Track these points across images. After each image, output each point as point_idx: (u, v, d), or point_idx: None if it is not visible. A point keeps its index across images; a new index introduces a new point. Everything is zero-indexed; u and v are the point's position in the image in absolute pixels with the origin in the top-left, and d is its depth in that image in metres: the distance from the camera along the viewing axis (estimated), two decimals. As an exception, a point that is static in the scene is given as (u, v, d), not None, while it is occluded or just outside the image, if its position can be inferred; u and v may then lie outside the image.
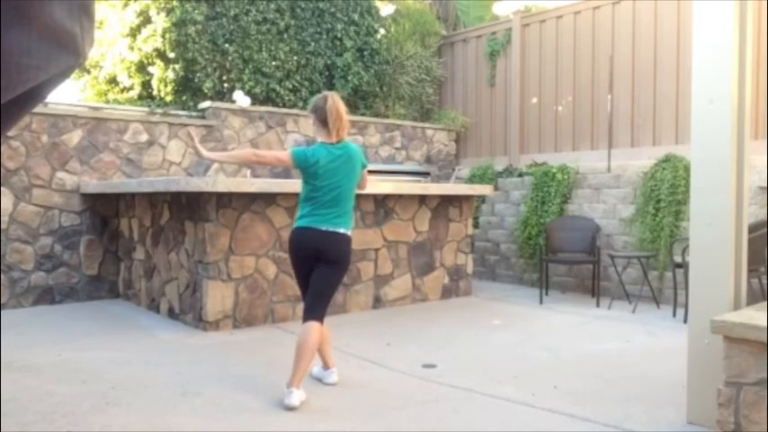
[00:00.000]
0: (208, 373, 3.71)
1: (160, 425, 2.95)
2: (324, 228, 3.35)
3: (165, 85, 7.04)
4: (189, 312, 5.05)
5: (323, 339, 3.44)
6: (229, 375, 3.72)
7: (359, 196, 5.69)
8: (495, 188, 7.67)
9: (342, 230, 3.40)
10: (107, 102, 7.38)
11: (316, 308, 3.35)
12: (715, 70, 2.95)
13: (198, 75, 7.04)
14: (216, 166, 6.80)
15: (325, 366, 3.63)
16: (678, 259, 5.38)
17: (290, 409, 3.15)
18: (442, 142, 8.86)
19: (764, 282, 4.89)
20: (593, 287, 6.41)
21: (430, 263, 6.28)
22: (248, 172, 6.96)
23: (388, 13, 8.99)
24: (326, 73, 8.11)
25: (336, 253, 3.39)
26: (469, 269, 6.66)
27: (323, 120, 3.43)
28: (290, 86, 7.69)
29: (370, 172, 7.03)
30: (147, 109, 6.76)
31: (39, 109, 5.56)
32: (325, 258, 3.37)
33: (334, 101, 3.44)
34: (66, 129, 5.97)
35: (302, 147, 3.65)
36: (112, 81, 7.51)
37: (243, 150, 3.76)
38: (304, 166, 3.40)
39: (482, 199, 7.84)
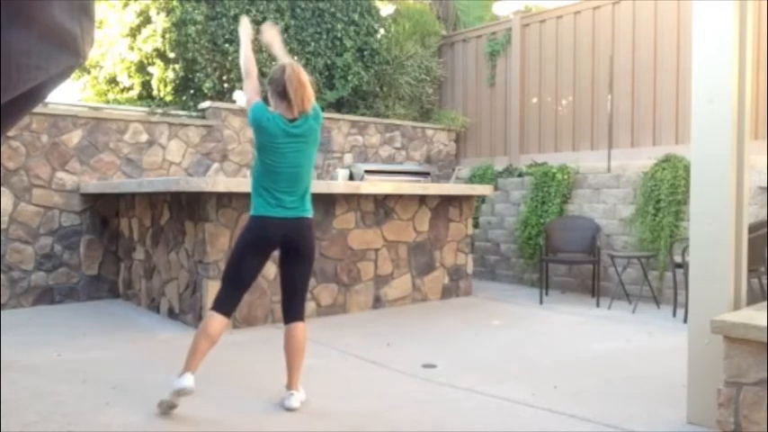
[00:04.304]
0: (208, 373, 3.70)
1: (160, 425, 2.95)
2: (291, 216, 3.12)
3: (165, 85, 7.04)
4: (189, 312, 5.05)
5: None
6: (229, 375, 3.72)
7: (359, 196, 5.71)
8: (495, 188, 7.67)
9: (308, 215, 3.20)
10: (107, 102, 7.38)
11: (299, 307, 3.24)
12: (715, 70, 2.95)
13: (198, 75, 7.04)
14: (215, 166, 6.81)
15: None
16: (678, 259, 5.38)
17: (291, 410, 3.15)
18: (441, 142, 8.86)
19: (764, 282, 4.90)
20: (594, 287, 6.41)
21: (430, 263, 6.28)
22: (248, 172, 6.96)
23: (388, 13, 8.99)
24: (326, 73, 8.11)
25: (305, 242, 3.18)
26: (469, 269, 6.66)
27: (281, 93, 3.11)
28: (290, 86, 7.67)
29: (371, 172, 7.09)
30: (147, 109, 6.76)
31: (39, 109, 5.56)
32: (296, 251, 3.17)
33: (294, 69, 3.10)
34: (66, 129, 5.97)
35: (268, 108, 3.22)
36: (112, 81, 7.51)
37: (252, 63, 3.34)
38: (256, 124, 3.11)
39: (482, 199, 7.85)
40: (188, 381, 3.00)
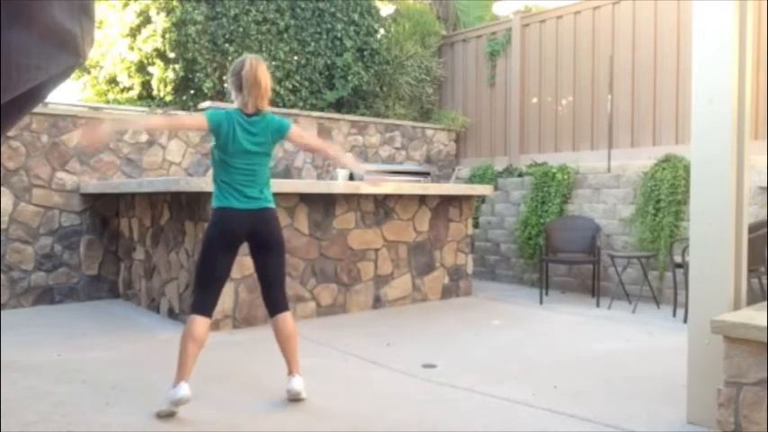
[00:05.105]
0: (208, 373, 3.70)
1: (160, 425, 2.95)
2: (253, 207, 3.13)
3: (165, 85, 7.04)
4: (189, 312, 5.04)
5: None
6: (229, 375, 3.72)
7: (359, 196, 5.71)
8: (495, 188, 7.67)
9: (270, 206, 3.20)
10: (107, 102, 7.38)
11: (282, 297, 3.26)
12: (715, 70, 2.95)
13: (198, 75, 7.04)
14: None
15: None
16: (678, 259, 5.38)
17: (296, 394, 3.17)
18: (442, 142, 8.86)
19: (764, 282, 4.90)
20: (594, 287, 6.41)
21: (430, 263, 6.28)
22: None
23: (388, 13, 9.00)
24: (326, 73, 8.11)
25: (271, 232, 3.20)
26: (469, 269, 6.66)
27: (238, 86, 3.15)
28: (290, 86, 7.69)
29: (371, 172, 7.08)
30: (147, 109, 6.76)
31: (39, 109, 5.56)
32: (264, 242, 3.19)
33: (252, 65, 3.10)
34: (66, 129, 5.97)
35: (220, 110, 3.24)
36: (112, 81, 7.52)
37: (155, 117, 3.22)
38: (217, 131, 3.14)
39: (482, 199, 7.85)
40: (184, 390, 3.00)
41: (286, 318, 3.25)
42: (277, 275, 3.27)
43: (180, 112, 6.84)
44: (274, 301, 3.26)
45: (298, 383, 3.20)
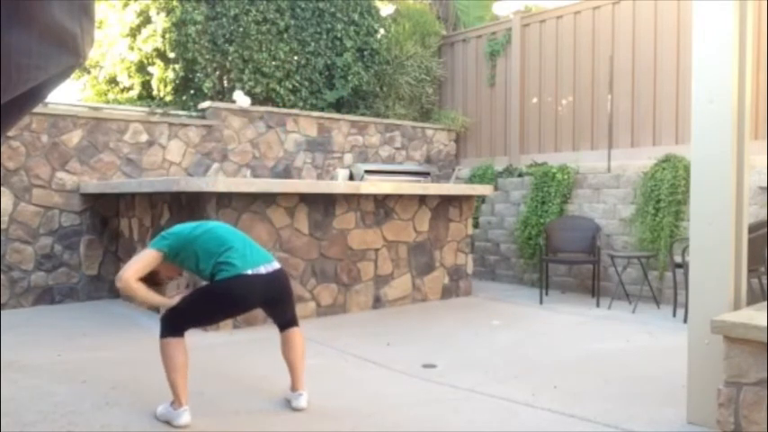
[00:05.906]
0: (208, 373, 3.70)
1: (160, 425, 2.95)
2: (268, 268, 3.06)
3: (165, 85, 7.04)
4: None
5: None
6: (229, 375, 3.72)
7: (359, 196, 5.71)
8: (495, 188, 7.68)
9: (278, 264, 3.16)
10: (107, 102, 7.38)
11: (291, 317, 3.25)
12: (715, 70, 2.95)
13: (198, 75, 7.04)
14: (215, 166, 6.81)
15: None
16: (678, 259, 5.38)
17: (300, 410, 3.15)
18: (442, 142, 8.86)
19: (764, 282, 4.90)
20: (594, 287, 6.41)
21: (430, 263, 6.28)
22: (248, 172, 6.96)
23: (388, 13, 9.00)
24: (326, 73, 8.11)
25: (288, 295, 3.21)
26: (469, 269, 6.66)
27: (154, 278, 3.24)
28: (290, 86, 7.69)
29: (371, 172, 7.10)
30: (147, 109, 6.76)
31: (39, 109, 5.56)
32: (280, 303, 3.19)
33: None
34: (66, 129, 5.97)
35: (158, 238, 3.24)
36: (112, 81, 7.52)
37: (146, 294, 3.21)
38: (184, 243, 3.07)
39: (482, 199, 7.85)
40: (185, 418, 2.94)
41: (295, 332, 3.24)
42: (289, 308, 3.27)
43: (181, 112, 6.85)
44: (285, 320, 3.26)
45: (303, 401, 3.16)
